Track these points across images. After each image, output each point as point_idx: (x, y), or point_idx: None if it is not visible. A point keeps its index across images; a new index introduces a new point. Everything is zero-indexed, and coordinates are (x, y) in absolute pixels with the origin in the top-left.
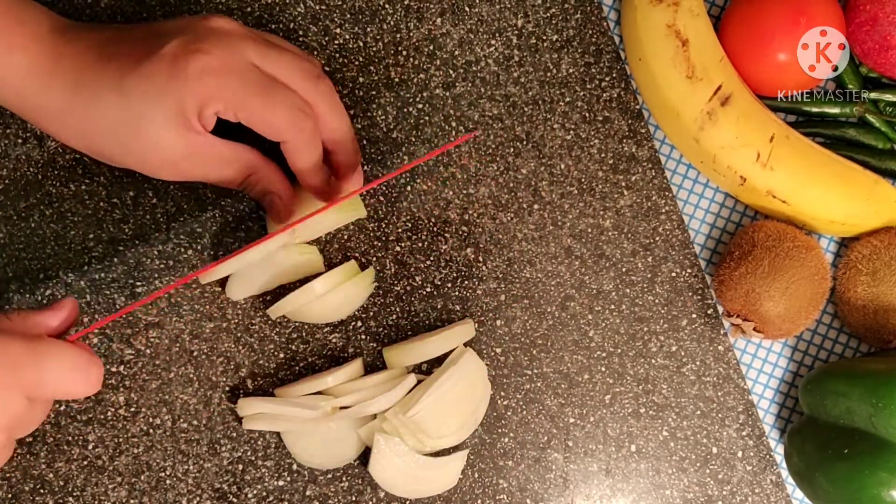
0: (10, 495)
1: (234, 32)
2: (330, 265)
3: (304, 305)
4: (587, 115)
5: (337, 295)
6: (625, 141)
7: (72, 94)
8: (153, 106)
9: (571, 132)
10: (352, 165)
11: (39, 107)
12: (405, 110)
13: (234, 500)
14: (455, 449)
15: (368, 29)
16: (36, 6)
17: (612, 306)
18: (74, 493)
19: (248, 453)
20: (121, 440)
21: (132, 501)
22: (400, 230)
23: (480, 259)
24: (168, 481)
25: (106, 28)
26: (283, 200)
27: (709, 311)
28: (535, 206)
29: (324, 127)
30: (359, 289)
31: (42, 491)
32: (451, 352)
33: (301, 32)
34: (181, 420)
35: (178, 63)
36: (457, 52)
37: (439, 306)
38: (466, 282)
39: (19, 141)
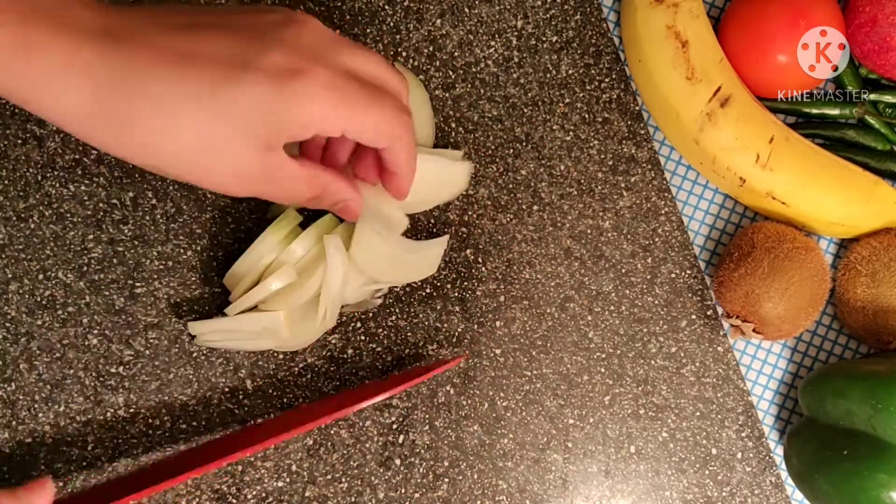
0: None
1: (326, 36)
2: None
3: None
4: (587, 116)
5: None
6: (624, 142)
7: (132, 107)
8: (244, 127)
9: (571, 133)
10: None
11: (91, 121)
12: None
13: (234, 500)
14: (436, 235)
15: (368, 30)
16: (74, 14)
17: (612, 307)
18: (74, 494)
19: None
20: (120, 441)
21: (131, 502)
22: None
23: (480, 260)
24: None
25: (164, 13)
26: (355, 202)
27: (708, 313)
28: (535, 208)
29: None
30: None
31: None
32: None
33: None
34: (180, 421)
35: (282, 84)
36: (456, 54)
37: (439, 307)
38: (466, 283)
39: (19, 142)
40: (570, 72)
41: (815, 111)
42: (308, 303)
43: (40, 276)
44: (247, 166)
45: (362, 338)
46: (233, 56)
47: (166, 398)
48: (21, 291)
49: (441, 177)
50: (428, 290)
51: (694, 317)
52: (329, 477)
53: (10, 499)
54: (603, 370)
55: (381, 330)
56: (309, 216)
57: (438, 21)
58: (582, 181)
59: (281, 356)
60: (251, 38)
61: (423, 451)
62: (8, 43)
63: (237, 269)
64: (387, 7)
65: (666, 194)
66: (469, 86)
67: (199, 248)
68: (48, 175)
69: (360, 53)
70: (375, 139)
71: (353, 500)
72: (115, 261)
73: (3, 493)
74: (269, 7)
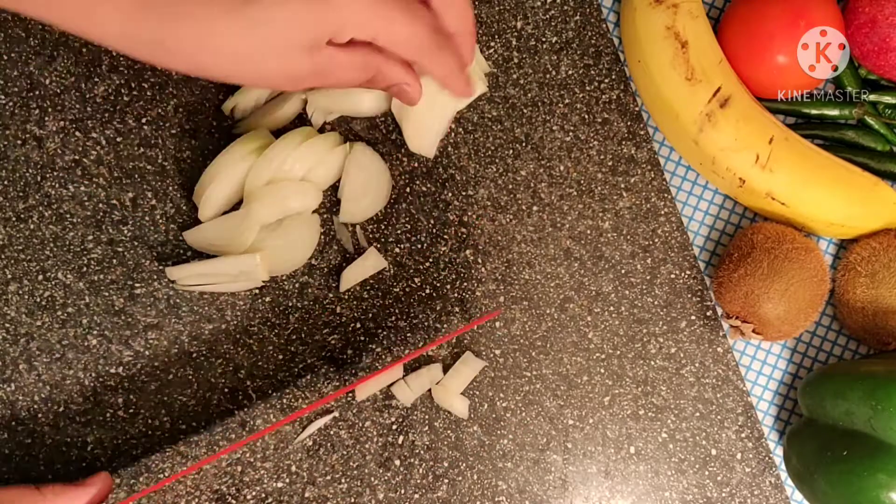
0: None
1: None
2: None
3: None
4: (586, 116)
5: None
6: (624, 143)
7: (169, 27)
8: (284, 37)
9: (571, 134)
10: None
11: (134, 41)
12: None
13: (233, 501)
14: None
15: None
16: None
17: (612, 308)
18: None
19: (247, 454)
20: (119, 442)
21: (131, 503)
22: (399, 232)
23: (479, 261)
24: (167, 482)
25: None
26: (411, 87)
27: (708, 313)
28: (535, 208)
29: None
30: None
31: None
32: None
33: None
34: (180, 422)
35: None
36: None
37: (438, 308)
38: (465, 283)
39: (18, 142)
40: (570, 72)
41: (814, 112)
42: (291, 224)
43: (40, 277)
44: (296, 67)
45: (362, 338)
46: None
47: (166, 398)
48: (21, 292)
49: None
50: (428, 291)
51: (693, 317)
52: (329, 477)
53: (52, 492)
54: (602, 371)
55: (380, 330)
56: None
57: None
58: (582, 182)
59: (280, 357)
60: None
61: (422, 452)
62: None
63: (204, 178)
64: None
65: (665, 195)
66: None
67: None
68: (48, 176)
69: None
70: (406, 52)
71: (352, 500)
72: (114, 261)
73: (52, 488)
74: None
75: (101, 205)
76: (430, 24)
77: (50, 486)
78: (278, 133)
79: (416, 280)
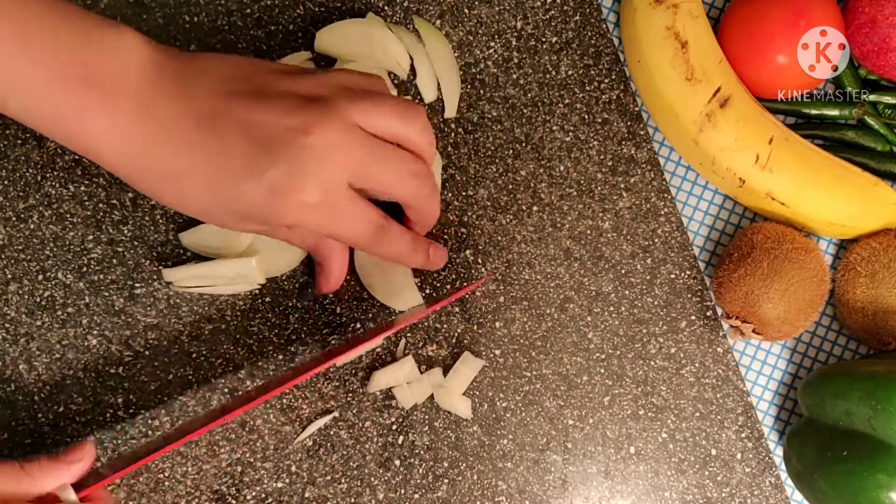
0: None
1: (342, 142)
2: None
3: None
4: (586, 116)
5: None
6: (624, 143)
7: (153, 172)
8: (241, 217)
9: (570, 134)
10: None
11: (125, 172)
12: None
13: (233, 501)
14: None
15: None
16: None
17: (612, 308)
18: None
19: (247, 455)
20: (120, 442)
21: (131, 503)
22: None
23: (479, 261)
24: (167, 483)
25: (196, 95)
26: (335, 280)
27: (708, 313)
28: (534, 208)
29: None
30: None
31: None
32: None
33: (300, 34)
34: (180, 421)
35: (275, 199)
36: (456, 55)
37: (438, 308)
38: (465, 283)
39: (18, 142)
40: (570, 73)
41: (814, 112)
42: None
43: (40, 277)
44: (252, 230)
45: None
46: (243, 159)
47: (166, 398)
48: (21, 292)
49: None
50: (428, 291)
51: (693, 317)
52: (329, 478)
53: (37, 468)
54: (602, 371)
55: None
56: None
57: (438, 22)
58: (581, 182)
59: (280, 358)
60: (263, 147)
61: (422, 452)
62: (69, 106)
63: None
64: (386, 8)
65: (665, 195)
66: (469, 86)
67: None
68: (48, 175)
69: (368, 105)
70: (353, 244)
71: (352, 500)
72: (114, 261)
73: (37, 463)
74: (296, 104)
75: (101, 205)
76: (377, 220)
77: (34, 463)
78: None
79: (417, 280)
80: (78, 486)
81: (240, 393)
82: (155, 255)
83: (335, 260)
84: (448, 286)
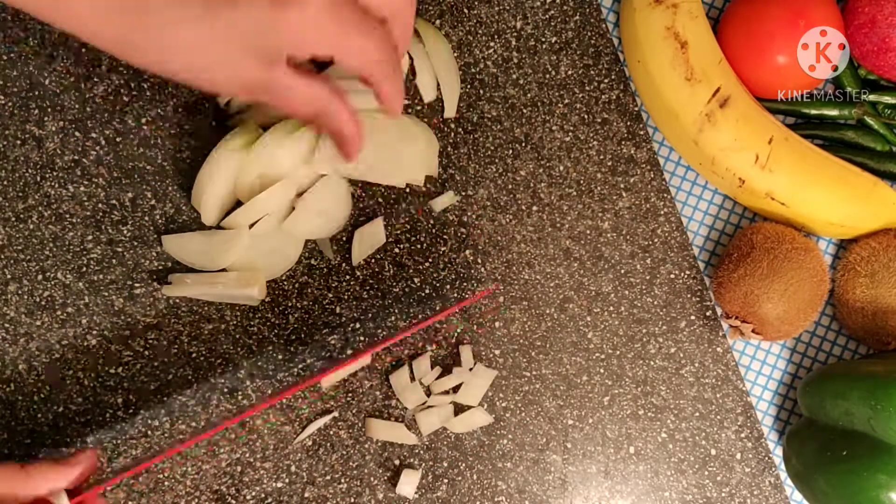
0: None
1: None
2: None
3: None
4: (586, 116)
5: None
6: (623, 143)
7: (135, 28)
8: (243, 47)
9: (570, 134)
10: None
11: (102, 36)
12: None
13: (233, 501)
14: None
15: None
16: None
17: (611, 308)
18: None
19: (247, 455)
20: (119, 441)
21: (130, 503)
22: (399, 232)
23: (479, 261)
24: (166, 483)
25: None
26: (353, 140)
27: (707, 313)
28: (534, 208)
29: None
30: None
31: None
32: None
33: None
34: (179, 422)
35: (276, 8)
36: (455, 55)
37: (438, 308)
38: (465, 283)
39: (18, 142)
40: (570, 72)
41: (814, 112)
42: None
43: (39, 277)
44: (251, 78)
45: (361, 339)
46: None
47: (166, 398)
48: (20, 292)
49: (402, 142)
50: (427, 291)
51: (693, 317)
52: (328, 477)
53: (38, 471)
54: (602, 371)
55: (380, 330)
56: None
57: (438, 21)
58: (581, 182)
59: (280, 357)
60: None
61: (422, 452)
62: None
63: (198, 182)
64: None
65: (665, 195)
66: (468, 86)
67: None
68: (47, 176)
69: None
70: (359, 67)
71: (352, 500)
72: (114, 261)
73: (38, 467)
74: None
75: (100, 205)
76: (387, 40)
77: (35, 465)
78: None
79: (416, 280)
80: (72, 493)
81: (239, 394)
82: (155, 255)
83: (345, 122)
84: (448, 286)
